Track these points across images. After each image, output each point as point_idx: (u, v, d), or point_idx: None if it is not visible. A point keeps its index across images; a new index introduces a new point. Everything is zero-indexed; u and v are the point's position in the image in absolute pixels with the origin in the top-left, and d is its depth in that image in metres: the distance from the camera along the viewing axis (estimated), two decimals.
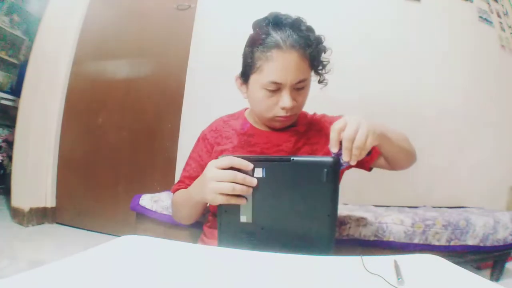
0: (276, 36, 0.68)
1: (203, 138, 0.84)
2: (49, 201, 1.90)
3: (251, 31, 0.76)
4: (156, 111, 1.81)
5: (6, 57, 2.39)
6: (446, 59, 1.80)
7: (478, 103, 1.85)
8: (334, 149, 0.57)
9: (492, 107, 1.88)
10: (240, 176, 0.54)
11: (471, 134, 1.83)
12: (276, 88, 0.69)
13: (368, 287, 0.40)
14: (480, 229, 1.24)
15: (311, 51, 0.69)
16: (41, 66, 1.91)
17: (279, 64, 0.67)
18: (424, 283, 0.43)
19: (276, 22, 0.70)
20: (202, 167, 0.77)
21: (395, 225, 1.17)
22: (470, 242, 1.22)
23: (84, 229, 1.85)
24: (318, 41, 0.72)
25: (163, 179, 1.70)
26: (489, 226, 1.25)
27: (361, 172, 0.82)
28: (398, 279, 0.41)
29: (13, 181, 1.90)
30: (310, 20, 0.75)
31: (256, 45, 0.70)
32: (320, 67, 0.75)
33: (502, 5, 2.09)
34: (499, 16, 2.03)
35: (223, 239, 0.58)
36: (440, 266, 0.50)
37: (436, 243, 1.19)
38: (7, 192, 2.05)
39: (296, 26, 0.70)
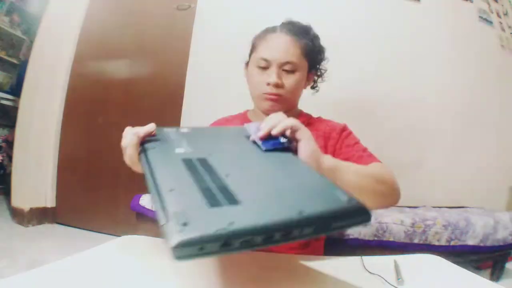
0: (277, 26, 0.77)
1: None
2: (49, 201, 1.89)
3: (250, 31, 0.80)
4: (156, 110, 1.80)
5: (6, 57, 2.39)
6: (446, 59, 1.79)
7: (478, 103, 1.85)
8: (260, 132, 0.46)
9: (492, 107, 1.88)
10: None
11: (471, 134, 1.83)
12: (266, 66, 0.74)
13: (368, 287, 0.40)
14: (480, 229, 1.23)
15: (305, 42, 0.75)
16: (41, 66, 1.90)
17: (269, 43, 0.75)
18: (424, 283, 0.43)
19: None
20: None
21: (395, 225, 1.17)
22: (470, 242, 1.22)
23: (84, 229, 1.84)
24: (315, 38, 0.79)
25: None
26: (489, 226, 1.25)
27: None
28: (398, 279, 0.41)
29: (13, 181, 1.90)
30: (309, 20, 0.77)
31: (260, 32, 0.79)
32: (317, 68, 0.81)
33: (502, 5, 2.08)
34: (499, 16, 2.03)
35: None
36: (440, 266, 0.50)
37: (436, 243, 1.19)
38: (7, 192, 2.05)
39: (299, 25, 0.77)
